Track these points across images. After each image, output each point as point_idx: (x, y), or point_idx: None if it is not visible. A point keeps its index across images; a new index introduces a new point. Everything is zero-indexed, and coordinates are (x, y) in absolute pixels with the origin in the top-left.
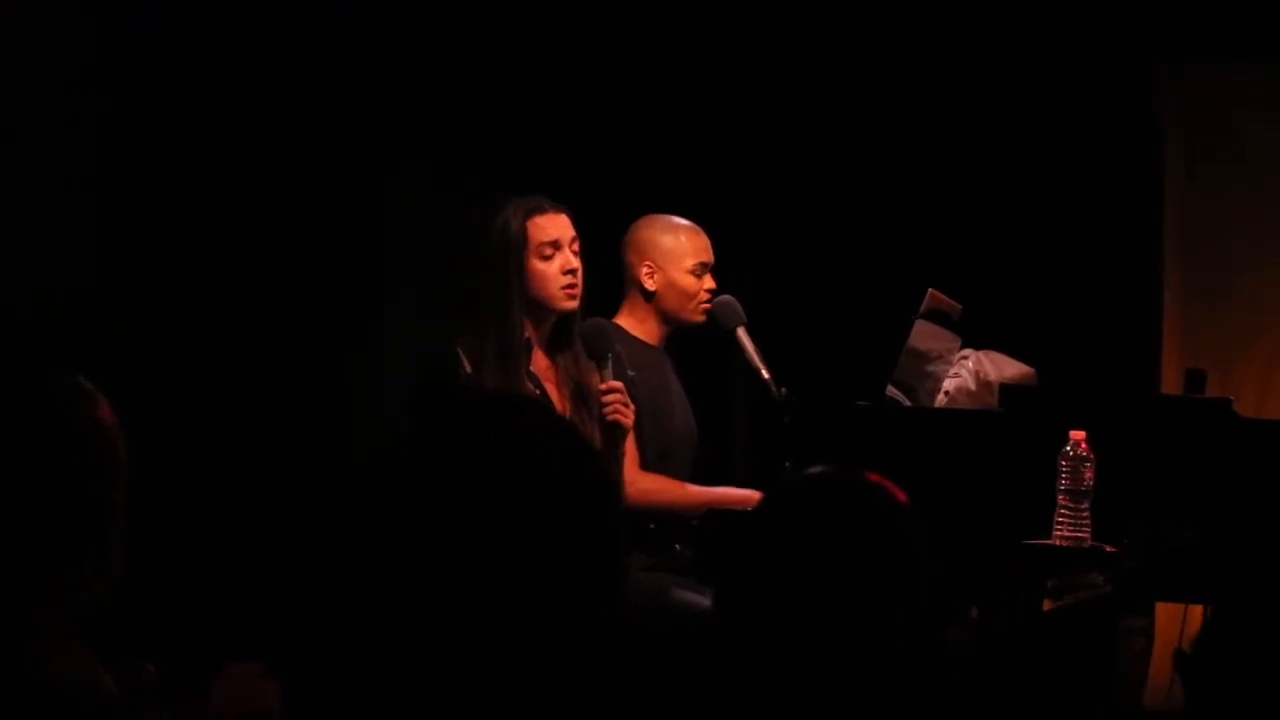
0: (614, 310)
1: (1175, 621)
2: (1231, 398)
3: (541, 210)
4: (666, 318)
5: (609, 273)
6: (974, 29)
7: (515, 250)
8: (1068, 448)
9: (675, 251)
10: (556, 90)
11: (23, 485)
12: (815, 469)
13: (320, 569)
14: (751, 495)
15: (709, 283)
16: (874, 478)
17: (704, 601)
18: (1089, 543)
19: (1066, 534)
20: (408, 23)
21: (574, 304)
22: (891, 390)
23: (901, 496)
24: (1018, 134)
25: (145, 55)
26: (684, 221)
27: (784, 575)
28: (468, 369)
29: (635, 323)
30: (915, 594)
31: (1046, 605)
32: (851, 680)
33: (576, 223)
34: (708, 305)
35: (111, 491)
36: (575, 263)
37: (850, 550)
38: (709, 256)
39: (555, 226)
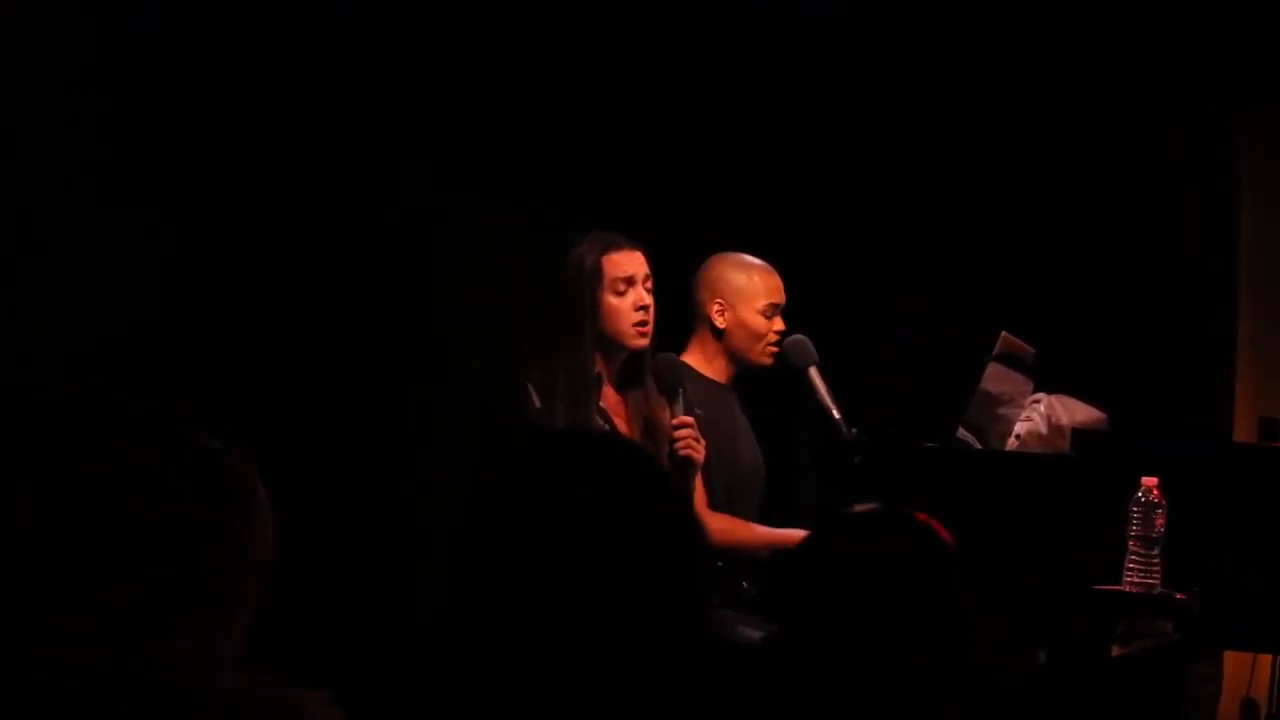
0: (680, 346)
1: (1244, 669)
2: None
3: (617, 246)
4: (734, 356)
5: (673, 307)
6: (1046, 71)
7: (589, 285)
8: (1140, 494)
9: (747, 291)
10: (628, 124)
11: (196, 545)
12: (861, 506)
13: (390, 599)
14: None
15: (778, 324)
16: (921, 517)
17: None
18: (1159, 589)
19: (1136, 580)
20: (466, 47)
21: (645, 341)
22: (962, 432)
23: (946, 536)
24: (1092, 178)
25: (145, 55)
26: (758, 261)
27: (823, 609)
28: (536, 404)
29: (703, 360)
30: (952, 630)
31: (1115, 651)
32: (886, 714)
33: (649, 258)
34: (775, 347)
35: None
36: (648, 300)
37: (890, 586)
38: (780, 298)
39: (630, 263)
